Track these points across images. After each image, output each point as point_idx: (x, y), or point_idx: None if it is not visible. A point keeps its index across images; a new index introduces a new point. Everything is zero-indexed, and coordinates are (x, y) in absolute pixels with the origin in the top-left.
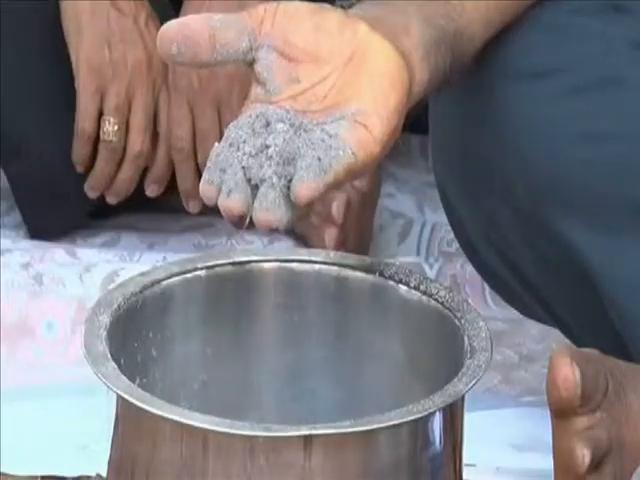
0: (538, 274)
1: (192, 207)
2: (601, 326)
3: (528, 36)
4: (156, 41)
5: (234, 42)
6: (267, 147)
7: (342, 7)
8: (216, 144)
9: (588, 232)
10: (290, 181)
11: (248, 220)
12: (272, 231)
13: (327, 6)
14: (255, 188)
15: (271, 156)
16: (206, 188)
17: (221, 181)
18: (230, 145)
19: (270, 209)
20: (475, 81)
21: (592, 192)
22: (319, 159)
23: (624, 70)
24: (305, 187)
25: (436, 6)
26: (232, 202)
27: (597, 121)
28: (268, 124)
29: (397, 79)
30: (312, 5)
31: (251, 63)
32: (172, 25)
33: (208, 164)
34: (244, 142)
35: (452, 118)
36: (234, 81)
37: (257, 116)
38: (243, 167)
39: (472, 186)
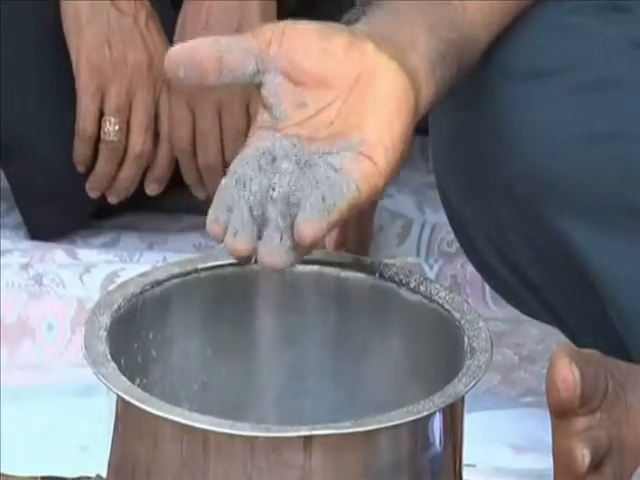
0: (538, 274)
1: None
2: (601, 326)
3: (528, 36)
4: (156, 41)
5: (241, 65)
6: (273, 189)
7: (348, 21)
8: (223, 180)
9: (588, 232)
10: (295, 218)
11: (254, 260)
12: (276, 271)
13: (334, 26)
14: (261, 225)
15: (276, 198)
16: (213, 227)
17: (227, 219)
18: (236, 182)
19: (274, 252)
20: (475, 81)
21: (593, 192)
22: (323, 199)
23: (624, 70)
24: (309, 228)
25: (441, 13)
26: (239, 244)
27: (597, 121)
28: (274, 160)
29: (403, 103)
30: (319, 26)
31: (258, 87)
32: (179, 49)
33: (214, 202)
34: (250, 180)
35: (452, 118)
36: None
37: (263, 153)
38: (250, 207)
39: (472, 186)
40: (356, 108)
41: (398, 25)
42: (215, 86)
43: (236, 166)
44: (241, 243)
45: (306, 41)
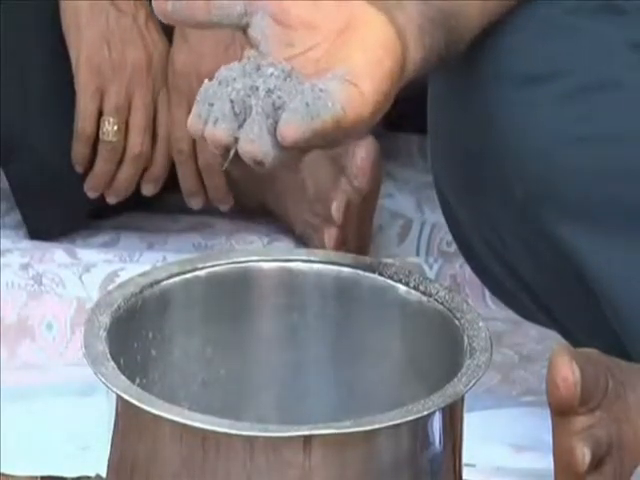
0: (536, 277)
1: (195, 204)
2: (599, 329)
3: (523, 39)
4: (156, 41)
5: (229, 5)
6: (257, 88)
7: None
8: (206, 81)
9: (586, 235)
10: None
11: (233, 152)
12: (257, 164)
13: None
14: (243, 122)
15: (260, 96)
16: (193, 121)
17: (209, 114)
18: (219, 83)
19: (255, 140)
20: (471, 84)
21: (590, 195)
22: (307, 104)
23: (621, 72)
24: (291, 128)
25: None
26: (218, 130)
27: (595, 123)
28: (259, 68)
29: (391, 47)
30: None
31: (245, 28)
32: None
33: (197, 99)
34: (234, 80)
35: (450, 122)
36: None
37: (249, 59)
38: (231, 100)
39: (470, 189)
40: (343, 48)
41: None
42: (203, 24)
43: (220, 72)
44: (220, 130)
45: None
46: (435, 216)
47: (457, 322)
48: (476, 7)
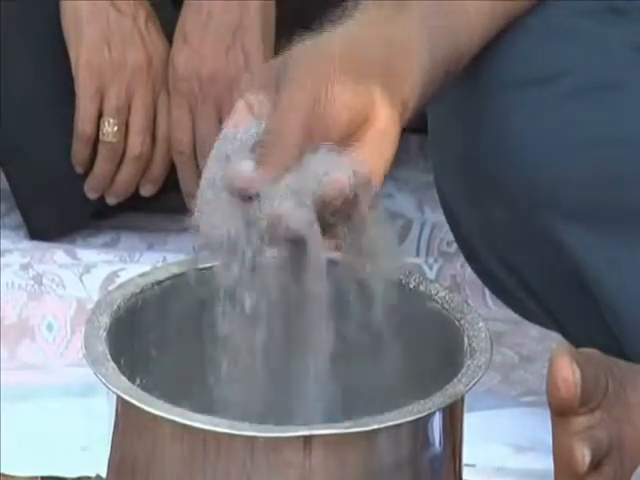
0: (537, 278)
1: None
2: (600, 331)
3: (524, 40)
4: (155, 41)
5: None
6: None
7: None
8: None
9: (587, 237)
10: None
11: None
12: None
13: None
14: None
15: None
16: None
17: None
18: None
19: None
20: (473, 88)
21: (590, 197)
22: None
23: (624, 73)
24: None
25: (438, 8)
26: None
27: (597, 125)
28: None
29: (391, 132)
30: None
31: None
32: None
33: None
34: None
35: (451, 126)
36: (235, 85)
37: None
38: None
39: (471, 191)
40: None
41: (396, 26)
42: None
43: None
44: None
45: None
46: (435, 216)
47: (457, 323)
48: (482, 25)
